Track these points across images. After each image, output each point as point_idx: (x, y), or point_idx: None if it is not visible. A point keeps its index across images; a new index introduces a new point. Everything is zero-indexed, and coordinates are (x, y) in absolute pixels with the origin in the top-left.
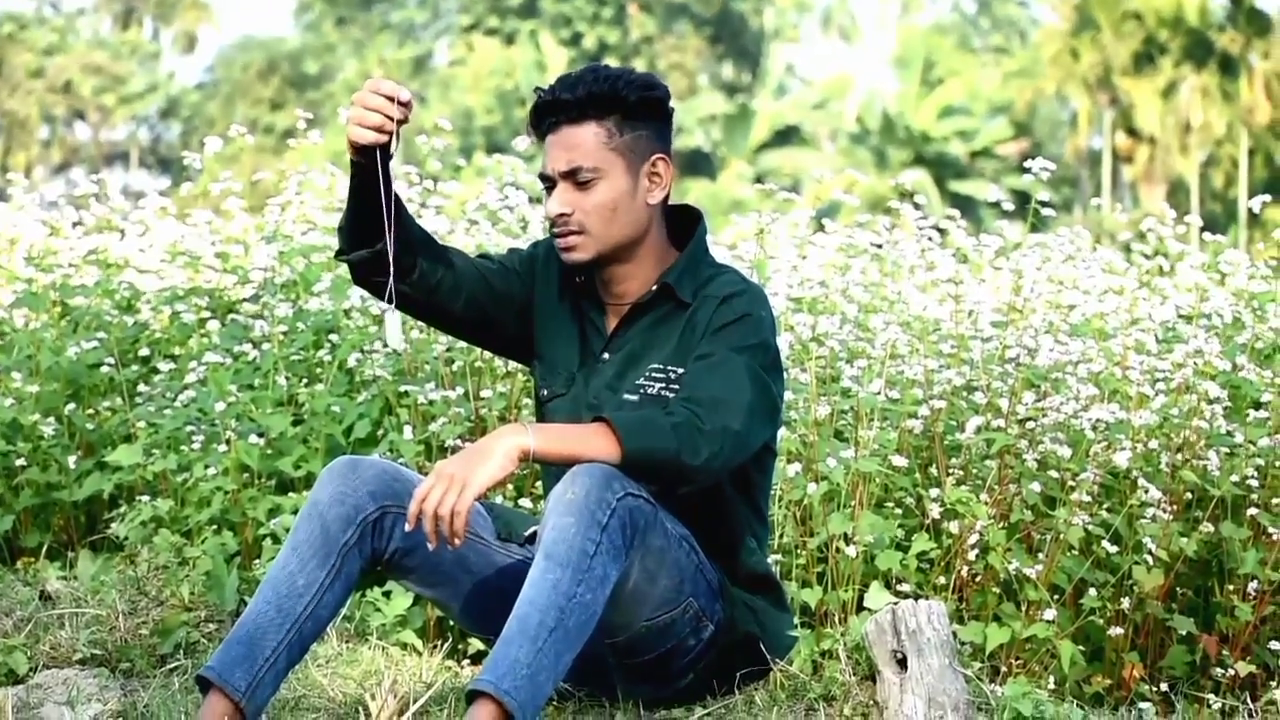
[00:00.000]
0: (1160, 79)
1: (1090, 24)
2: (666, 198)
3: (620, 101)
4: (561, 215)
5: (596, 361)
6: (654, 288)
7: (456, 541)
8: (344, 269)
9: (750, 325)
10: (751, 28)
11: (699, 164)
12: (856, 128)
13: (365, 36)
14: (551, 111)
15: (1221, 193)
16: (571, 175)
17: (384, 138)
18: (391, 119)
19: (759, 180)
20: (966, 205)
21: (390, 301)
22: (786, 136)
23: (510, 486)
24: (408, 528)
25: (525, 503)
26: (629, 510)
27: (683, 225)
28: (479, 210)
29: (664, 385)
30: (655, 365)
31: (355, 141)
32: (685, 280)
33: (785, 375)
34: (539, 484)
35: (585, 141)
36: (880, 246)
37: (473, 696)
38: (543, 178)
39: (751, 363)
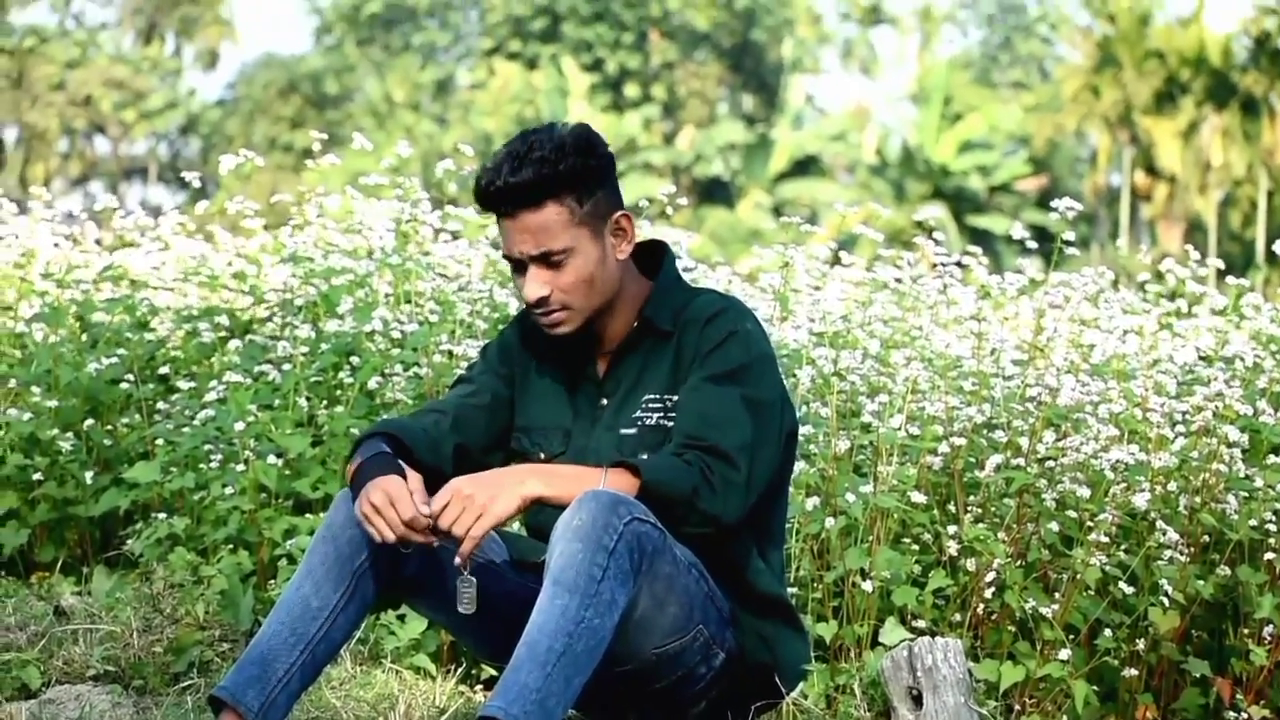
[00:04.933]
0: (1181, 118)
1: (1112, 62)
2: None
3: (571, 176)
4: (541, 299)
5: (595, 409)
6: (635, 324)
7: (460, 561)
8: (365, 291)
9: (738, 343)
10: (771, 58)
11: (717, 193)
12: (875, 160)
13: (386, 58)
14: (504, 199)
15: (1239, 233)
16: (542, 259)
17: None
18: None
19: (777, 210)
20: (984, 240)
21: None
22: (805, 167)
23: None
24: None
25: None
26: (636, 535)
27: (650, 258)
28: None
29: (661, 415)
30: (650, 396)
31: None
32: (662, 309)
33: (797, 406)
34: None
35: (549, 224)
36: (900, 281)
37: None
38: (509, 259)
39: (746, 391)
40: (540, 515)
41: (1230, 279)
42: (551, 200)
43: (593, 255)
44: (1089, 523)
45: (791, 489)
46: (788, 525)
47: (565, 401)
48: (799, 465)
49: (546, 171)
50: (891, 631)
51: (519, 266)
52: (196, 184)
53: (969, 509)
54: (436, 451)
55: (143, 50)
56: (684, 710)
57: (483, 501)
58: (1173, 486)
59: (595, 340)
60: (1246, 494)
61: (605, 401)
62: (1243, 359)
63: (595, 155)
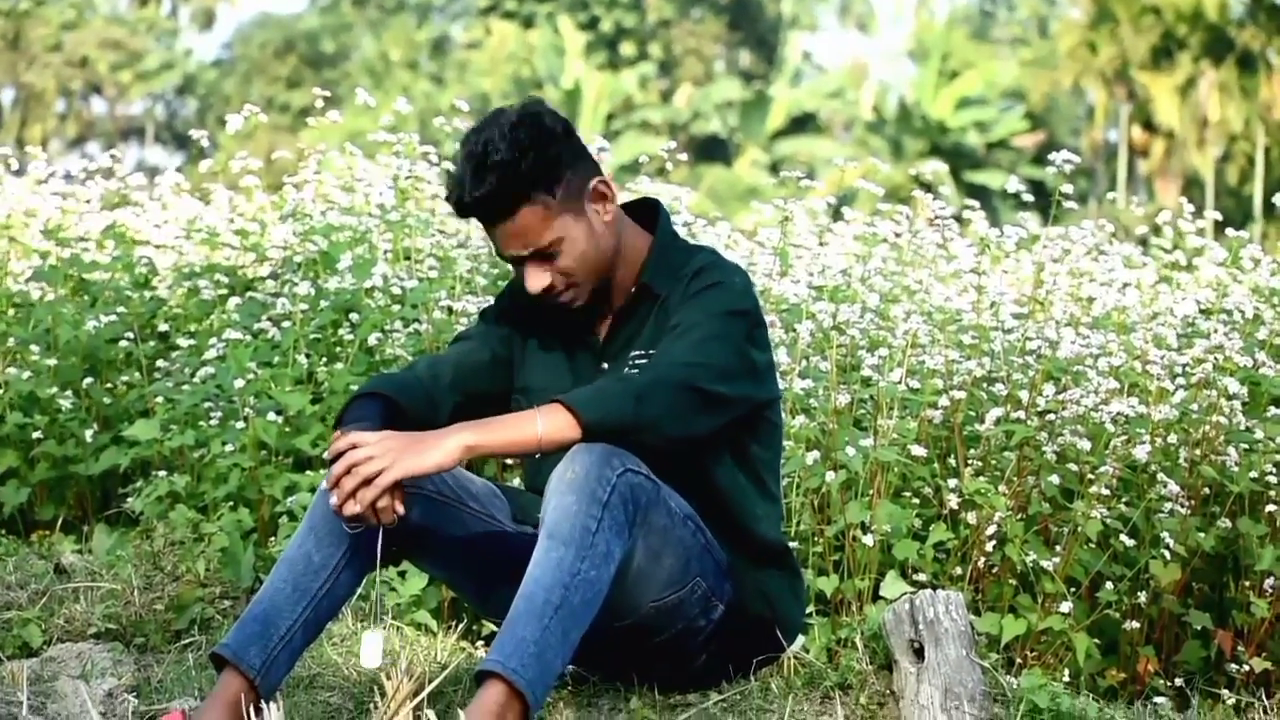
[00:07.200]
0: (1178, 74)
1: (1109, 17)
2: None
3: (535, 173)
4: (546, 288)
5: (594, 373)
6: (633, 289)
7: (351, 507)
8: (365, 248)
9: (720, 292)
10: (768, 15)
11: (715, 150)
12: (873, 116)
13: (382, 17)
14: (476, 213)
15: (1235, 189)
16: (536, 255)
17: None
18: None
19: (775, 167)
20: (982, 195)
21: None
22: (802, 124)
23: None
24: (326, 486)
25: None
26: (630, 487)
27: (646, 213)
28: None
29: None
30: (637, 352)
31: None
32: (660, 273)
33: (797, 360)
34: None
35: (530, 225)
36: (899, 236)
37: (482, 677)
38: (503, 257)
39: (721, 326)
40: (539, 476)
41: (1230, 232)
42: (525, 203)
43: (580, 233)
44: (1089, 475)
45: (791, 443)
46: (789, 480)
47: (565, 365)
48: (799, 419)
49: (509, 176)
50: (892, 585)
51: (516, 261)
52: (205, 143)
53: (969, 462)
54: (431, 404)
55: (139, 11)
56: (685, 664)
57: (396, 456)
58: (1173, 439)
59: (598, 302)
60: (1247, 446)
61: (605, 366)
62: (1242, 311)
63: (553, 140)
